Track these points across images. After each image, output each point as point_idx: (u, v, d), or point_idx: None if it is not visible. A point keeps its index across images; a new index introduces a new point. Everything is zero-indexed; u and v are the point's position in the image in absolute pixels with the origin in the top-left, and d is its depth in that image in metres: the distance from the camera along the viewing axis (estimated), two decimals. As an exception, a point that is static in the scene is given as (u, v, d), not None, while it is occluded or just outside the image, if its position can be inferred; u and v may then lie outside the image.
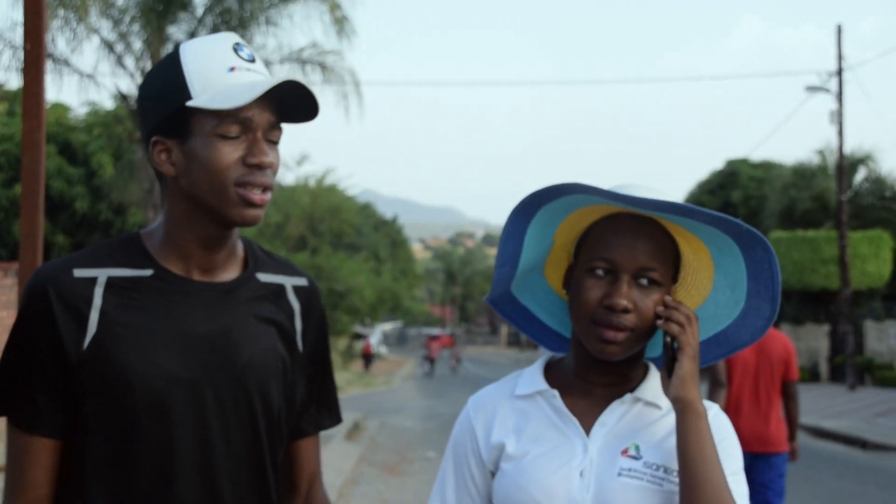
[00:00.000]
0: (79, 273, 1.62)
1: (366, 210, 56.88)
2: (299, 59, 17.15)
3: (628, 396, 1.77)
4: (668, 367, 1.71)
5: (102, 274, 1.63)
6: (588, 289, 1.71)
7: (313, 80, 17.28)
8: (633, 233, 1.71)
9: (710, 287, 1.78)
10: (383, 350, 61.36)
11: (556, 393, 1.79)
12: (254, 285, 1.74)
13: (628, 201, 1.65)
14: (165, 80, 1.64)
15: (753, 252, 1.68)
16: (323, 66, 17.26)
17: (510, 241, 1.81)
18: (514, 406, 1.81)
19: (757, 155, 63.01)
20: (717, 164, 50.00)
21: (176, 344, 1.63)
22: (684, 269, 1.79)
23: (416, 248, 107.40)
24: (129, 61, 16.13)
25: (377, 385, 33.66)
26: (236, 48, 1.67)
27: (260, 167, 1.63)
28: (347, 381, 32.93)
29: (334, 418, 1.88)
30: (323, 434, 14.75)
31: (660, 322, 1.70)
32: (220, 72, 1.63)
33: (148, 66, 16.07)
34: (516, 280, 1.87)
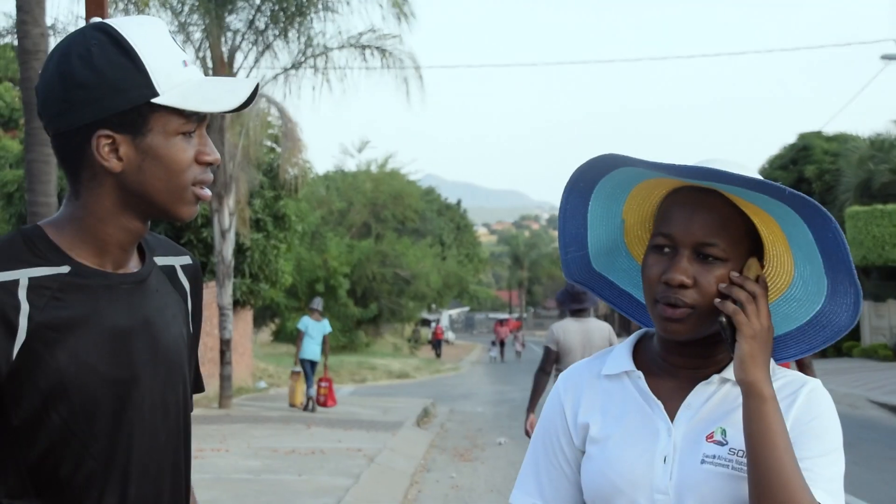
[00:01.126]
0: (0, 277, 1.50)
1: (429, 195, 56.89)
2: (358, 45, 17.04)
3: (715, 377, 1.68)
4: (730, 347, 1.62)
5: (23, 275, 1.52)
6: (650, 265, 1.67)
7: (373, 65, 17.17)
8: (692, 205, 1.64)
9: (791, 262, 1.68)
10: (450, 336, 61.42)
11: (640, 374, 1.73)
12: (156, 271, 1.70)
13: (661, 168, 1.60)
14: (118, 69, 1.53)
15: (814, 221, 1.57)
16: (382, 51, 17.13)
17: (571, 221, 1.79)
18: (600, 386, 1.77)
19: (831, 128, 61.61)
20: (790, 138, 48.83)
21: (104, 342, 1.57)
22: (766, 244, 1.68)
23: (481, 233, 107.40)
24: (189, 51, 16.16)
25: (445, 371, 33.64)
26: (172, 37, 1.61)
27: (211, 164, 1.62)
28: (415, 368, 32.96)
29: (201, 389, 1.88)
30: (392, 420, 14.88)
31: (716, 301, 1.61)
32: (177, 66, 1.57)
33: (208, 56, 16.10)
34: (599, 259, 1.83)
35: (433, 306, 54.82)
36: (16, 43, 12.91)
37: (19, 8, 10.33)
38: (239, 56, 16.37)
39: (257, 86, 1.61)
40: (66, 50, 1.54)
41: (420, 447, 12.58)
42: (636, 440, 1.68)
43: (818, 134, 37.98)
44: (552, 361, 7.05)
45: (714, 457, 1.63)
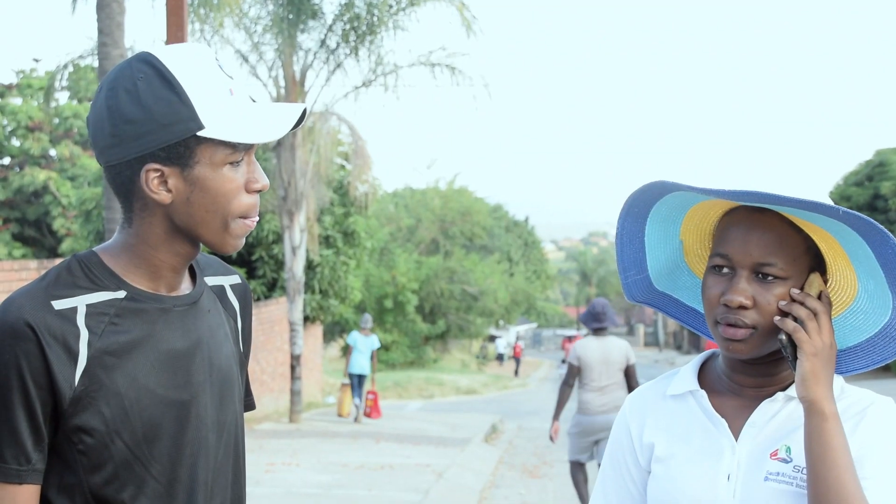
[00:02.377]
0: (59, 305, 1.53)
1: (497, 212, 56.84)
2: (428, 63, 17.15)
3: (780, 395, 1.68)
4: (791, 365, 1.62)
5: (80, 302, 1.55)
6: (709, 286, 1.67)
7: (442, 83, 17.26)
8: (746, 225, 1.64)
9: (855, 276, 1.66)
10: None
11: (704, 393, 1.73)
12: (207, 292, 1.72)
13: (712, 193, 1.61)
14: (163, 104, 1.54)
15: (872, 238, 1.56)
16: (452, 68, 17.21)
17: (629, 246, 1.81)
18: (665, 406, 1.78)
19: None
20: (866, 154, 47.82)
21: (162, 365, 1.59)
22: (828, 259, 1.68)
23: (549, 249, 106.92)
24: (262, 70, 16.44)
25: (513, 387, 33.48)
26: (219, 64, 1.61)
27: (261, 192, 1.63)
28: (483, 384, 32.89)
29: (251, 407, 1.89)
30: (460, 436, 14.86)
31: (776, 319, 1.61)
32: (222, 95, 1.58)
33: (280, 75, 16.34)
34: (661, 280, 1.85)
35: (501, 323, 54.68)
36: (96, 64, 13.27)
37: (100, 31, 10.64)
38: (311, 75, 16.60)
39: (304, 111, 1.62)
40: (113, 84, 1.57)
41: (488, 463, 12.55)
42: (700, 459, 1.68)
43: (895, 150, 37.12)
44: (574, 375, 7.94)
45: (778, 474, 1.62)
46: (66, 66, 15.09)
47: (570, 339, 48.11)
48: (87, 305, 1.55)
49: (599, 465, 7.94)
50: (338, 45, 16.45)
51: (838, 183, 38.98)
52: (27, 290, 1.55)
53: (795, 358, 1.61)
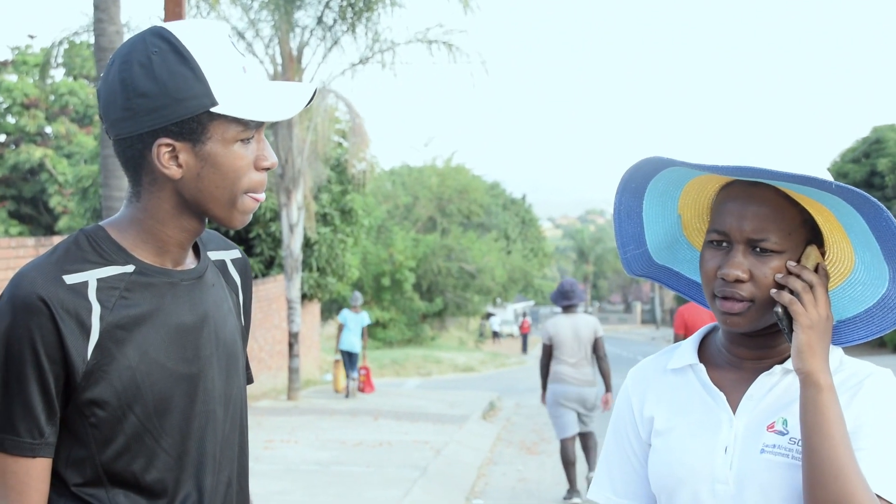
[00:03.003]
0: (70, 280, 1.53)
1: (494, 190, 56.78)
2: (425, 40, 17.08)
3: (777, 368, 1.69)
4: (788, 337, 1.62)
5: (91, 277, 1.55)
6: (706, 260, 1.69)
7: (439, 60, 17.19)
8: (742, 200, 1.65)
9: (851, 248, 1.67)
10: (515, 330, 61.28)
11: (702, 367, 1.74)
12: (210, 266, 1.73)
13: (705, 168, 1.62)
14: (177, 78, 1.54)
15: (866, 211, 1.57)
16: (449, 46, 17.15)
17: (627, 221, 1.82)
18: (666, 380, 1.79)
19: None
20: (864, 131, 47.73)
21: (171, 338, 1.61)
22: (824, 232, 1.69)
23: (546, 227, 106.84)
24: (259, 47, 16.37)
25: (510, 365, 33.58)
26: (232, 42, 1.62)
27: (268, 170, 1.63)
28: (480, 361, 32.97)
29: (250, 381, 1.89)
30: (458, 413, 14.92)
31: (773, 291, 1.62)
32: (235, 72, 1.58)
33: (277, 52, 16.27)
34: (660, 253, 1.86)
35: (498, 300, 54.76)
36: (92, 41, 13.21)
37: (96, 6, 10.57)
38: (307, 52, 16.53)
39: (315, 92, 1.63)
40: (126, 57, 1.56)
41: (486, 440, 12.59)
42: (698, 432, 1.70)
43: (892, 127, 37.08)
44: (548, 354, 8.38)
45: (774, 446, 1.64)
46: (61, 43, 15.01)
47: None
48: (98, 280, 1.56)
49: (581, 433, 8.31)
50: (335, 21, 16.38)
51: (835, 160, 38.98)
52: (37, 265, 1.55)
53: (791, 330, 1.62)
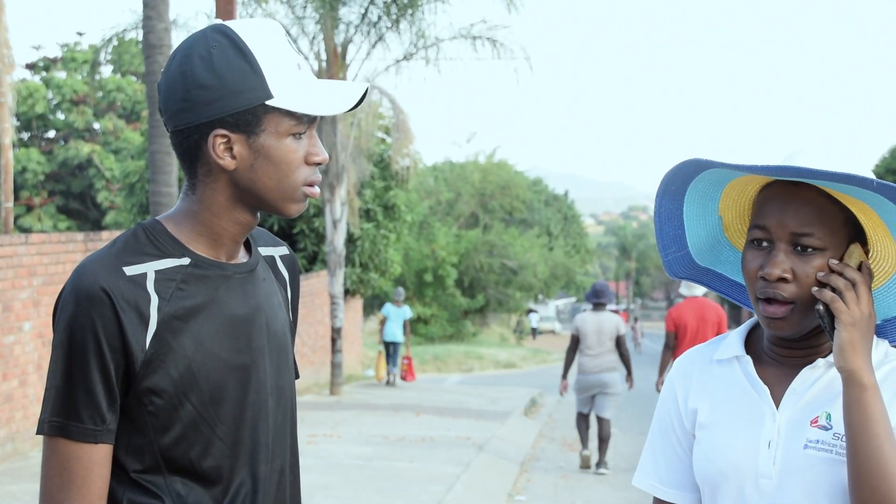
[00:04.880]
0: (130, 271, 1.59)
1: (536, 186, 56.61)
2: (469, 36, 17.07)
3: (821, 361, 1.68)
4: (829, 336, 1.62)
5: (150, 268, 1.61)
6: (748, 261, 1.68)
7: (483, 56, 17.18)
8: (783, 198, 1.64)
9: (895, 247, 1.66)
10: (557, 326, 61.08)
11: (749, 359, 1.73)
12: (261, 261, 1.77)
13: (744, 169, 1.62)
14: (235, 71, 1.60)
15: None
16: (493, 42, 17.12)
17: (668, 224, 1.82)
18: (711, 371, 1.78)
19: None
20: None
21: (225, 329, 1.65)
22: (868, 230, 1.67)
23: (588, 224, 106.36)
24: (304, 44, 16.46)
25: (552, 361, 33.49)
26: (289, 40, 1.67)
27: (320, 164, 1.67)
28: (522, 358, 32.93)
29: (296, 376, 1.92)
30: (500, 409, 14.92)
31: (814, 289, 1.61)
32: (290, 68, 1.64)
33: (321, 49, 16.36)
34: (702, 256, 1.86)
35: (540, 297, 54.61)
36: (140, 38, 13.38)
37: (145, 4, 10.69)
38: (352, 48, 16.59)
39: (366, 90, 1.68)
40: (188, 51, 1.62)
41: (529, 436, 12.59)
42: (742, 425, 1.70)
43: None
44: (575, 344, 9.81)
45: (817, 441, 1.63)
46: (110, 40, 15.22)
47: (615, 312, 48.02)
48: (156, 271, 1.61)
49: (598, 416, 9.95)
50: (379, 18, 16.42)
51: (884, 156, 38.40)
52: (99, 257, 1.60)
53: (833, 329, 1.61)
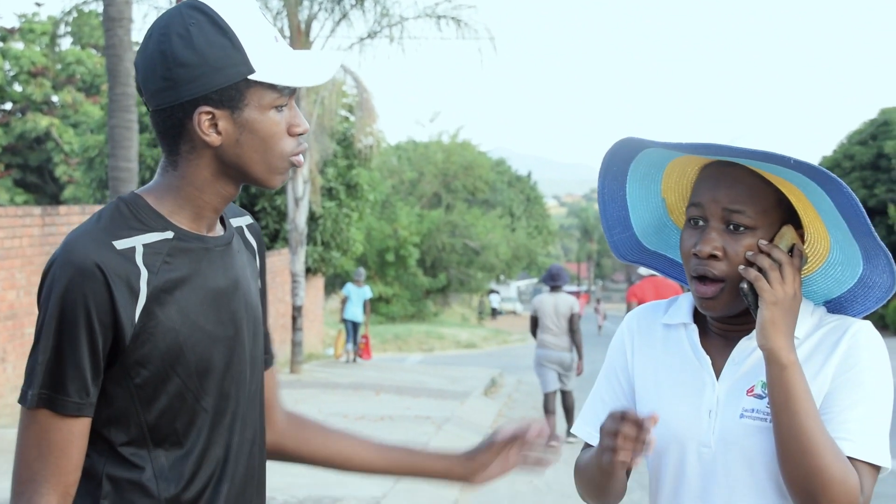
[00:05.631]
0: (119, 245, 1.60)
1: (499, 166, 56.67)
2: (434, 15, 17.00)
3: (756, 332, 1.68)
4: (754, 314, 1.64)
5: (138, 242, 1.62)
6: (684, 240, 1.71)
7: (447, 36, 17.12)
8: (717, 175, 1.68)
9: (825, 228, 1.69)
10: (518, 307, 61.34)
11: (695, 328, 1.76)
12: (234, 233, 1.78)
13: (672, 147, 1.66)
14: (216, 48, 1.60)
15: (829, 188, 1.59)
16: (458, 21, 17.07)
17: (611, 204, 1.84)
18: (658, 333, 1.81)
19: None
20: (871, 113, 47.56)
21: (209, 302, 1.67)
22: (800, 212, 1.70)
23: (551, 205, 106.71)
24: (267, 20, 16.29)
25: (512, 342, 33.65)
26: (262, 13, 1.68)
27: (302, 135, 1.69)
28: (483, 338, 33.04)
29: (272, 354, 1.95)
30: (460, 389, 14.99)
31: (740, 268, 1.64)
32: (268, 41, 1.65)
33: (285, 25, 16.22)
34: (649, 238, 1.88)
35: (502, 277, 54.79)
36: (100, 10, 13.18)
37: (104, -24, 10.53)
38: (315, 25, 16.47)
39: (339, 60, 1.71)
40: (164, 29, 1.61)
41: (488, 416, 12.65)
42: (684, 394, 1.74)
43: (901, 109, 36.91)
44: (535, 323, 10.50)
45: (753, 410, 1.67)
46: (69, 12, 14.97)
47: (574, 294, 48.32)
48: (144, 245, 1.62)
49: (561, 390, 10.45)
50: (343, -6, 16.30)
51: (842, 142, 38.86)
52: (87, 231, 1.60)
53: (757, 307, 1.64)
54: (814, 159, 1.70)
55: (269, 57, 1.63)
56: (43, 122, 30.75)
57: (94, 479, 1.62)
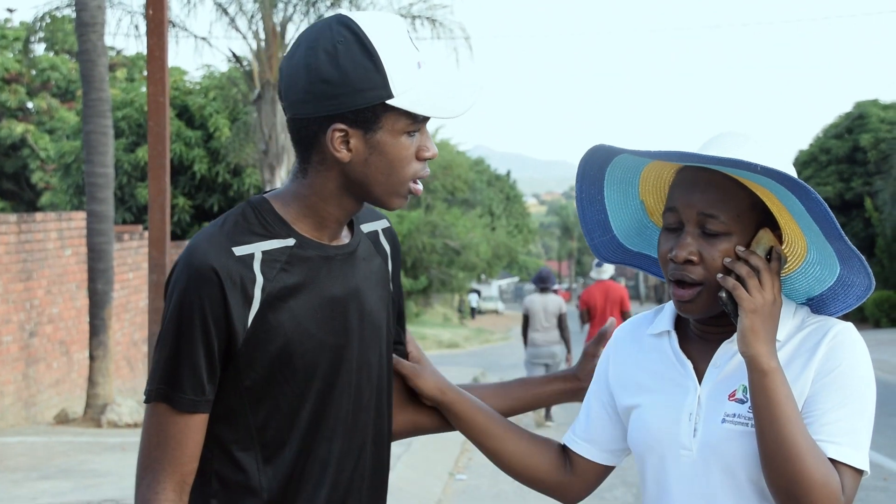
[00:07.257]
0: (238, 251, 1.66)
1: (478, 165, 56.72)
2: (409, 15, 17.01)
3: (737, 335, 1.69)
4: (734, 321, 1.65)
5: (257, 249, 1.68)
6: (661, 244, 1.72)
7: (422, 36, 17.13)
8: (691, 180, 1.69)
9: (800, 230, 1.70)
10: (500, 306, 61.42)
11: (675, 335, 1.78)
12: (363, 240, 1.82)
13: (643, 154, 1.69)
14: (360, 69, 1.64)
15: (798, 192, 1.59)
16: (433, 21, 17.09)
17: (590, 208, 1.86)
18: (644, 344, 1.84)
19: (889, 96, 60.21)
20: (846, 106, 47.85)
21: (322, 310, 1.71)
22: (776, 215, 1.70)
23: (531, 203, 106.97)
24: (242, 23, 16.27)
25: (494, 341, 33.70)
26: (410, 37, 1.71)
27: (429, 160, 1.72)
28: (465, 338, 33.06)
29: (399, 350, 1.98)
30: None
31: (718, 276, 1.65)
32: (412, 67, 1.68)
33: (260, 28, 16.18)
34: (631, 240, 1.90)
35: (483, 277, 54.85)
36: (74, 15, 13.09)
37: (77, -19, 10.45)
38: (291, 27, 16.45)
39: (482, 88, 1.73)
40: (313, 43, 1.66)
41: (470, 416, 12.65)
42: (666, 400, 1.75)
43: (875, 102, 37.19)
44: (526, 322, 11.56)
45: (734, 415, 1.68)
46: (43, 18, 14.88)
47: (555, 292, 48.44)
48: (262, 252, 1.68)
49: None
50: (318, -4, 16.27)
51: (818, 135, 39.10)
52: (208, 236, 1.67)
53: (737, 315, 1.64)
54: (791, 154, 1.71)
55: (409, 83, 1.66)
56: (18, 128, 30.51)
57: (205, 475, 1.70)
